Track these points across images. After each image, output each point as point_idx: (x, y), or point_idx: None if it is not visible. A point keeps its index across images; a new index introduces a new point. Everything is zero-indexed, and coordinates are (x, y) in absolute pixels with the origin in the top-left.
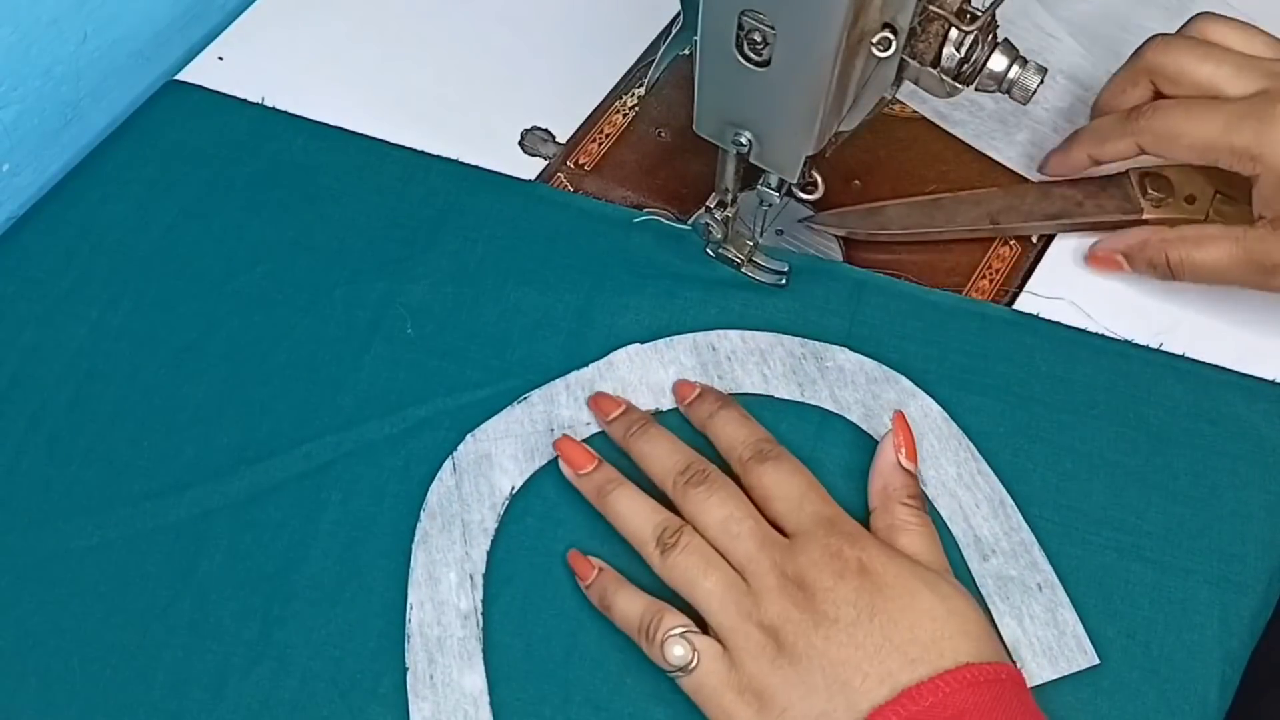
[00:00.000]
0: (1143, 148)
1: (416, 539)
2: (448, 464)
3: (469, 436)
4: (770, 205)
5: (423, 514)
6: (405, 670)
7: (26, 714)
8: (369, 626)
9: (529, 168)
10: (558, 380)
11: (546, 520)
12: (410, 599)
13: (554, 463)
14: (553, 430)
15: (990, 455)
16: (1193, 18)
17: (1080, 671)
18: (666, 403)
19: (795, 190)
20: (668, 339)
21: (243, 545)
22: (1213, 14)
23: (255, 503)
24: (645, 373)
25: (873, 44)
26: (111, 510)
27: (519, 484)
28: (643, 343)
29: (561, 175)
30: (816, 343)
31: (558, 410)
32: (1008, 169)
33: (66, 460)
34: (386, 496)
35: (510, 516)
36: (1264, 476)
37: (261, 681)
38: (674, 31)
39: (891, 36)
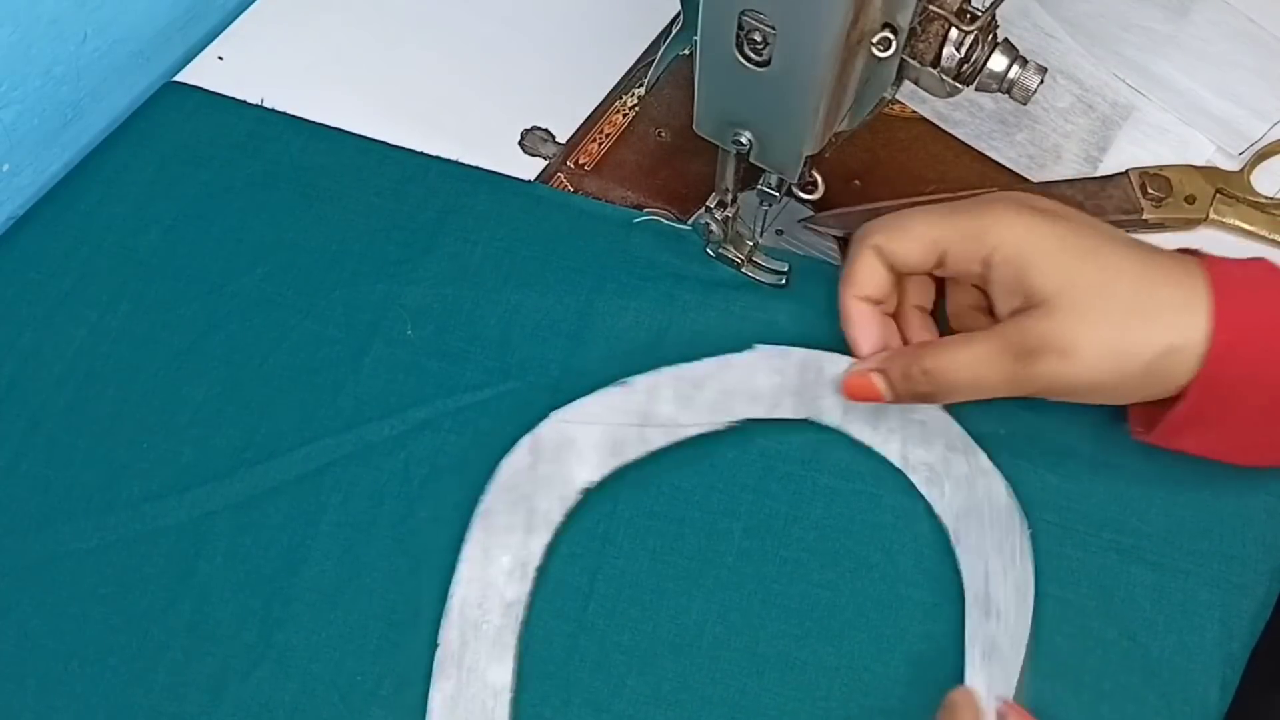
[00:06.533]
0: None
1: (479, 511)
2: (527, 441)
3: (553, 415)
4: (770, 205)
5: (491, 486)
6: (434, 647)
7: (26, 716)
8: (369, 628)
9: (529, 168)
10: (665, 371)
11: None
12: (459, 572)
13: (630, 467)
14: (644, 426)
15: (992, 457)
16: None
17: (1080, 673)
18: (758, 411)
19: (795, 190)
20: (781, 348)
21: (242, 547)
22: None
23: (255, 505)
24: (750, 378)
25: (873, 44)
26: (111, 512)
27: (595, 480)
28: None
29: (561, 175)
30: None
31: (657, 406)
32: (1008, 169)
33: (66, 462)
34: (386, 498)
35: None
36: (1264, 478)
37: (261, 684)
38: (674, 31)
39: (891, 36)
